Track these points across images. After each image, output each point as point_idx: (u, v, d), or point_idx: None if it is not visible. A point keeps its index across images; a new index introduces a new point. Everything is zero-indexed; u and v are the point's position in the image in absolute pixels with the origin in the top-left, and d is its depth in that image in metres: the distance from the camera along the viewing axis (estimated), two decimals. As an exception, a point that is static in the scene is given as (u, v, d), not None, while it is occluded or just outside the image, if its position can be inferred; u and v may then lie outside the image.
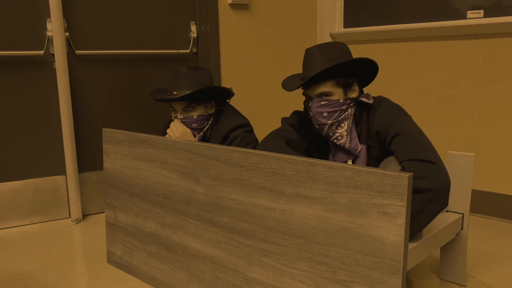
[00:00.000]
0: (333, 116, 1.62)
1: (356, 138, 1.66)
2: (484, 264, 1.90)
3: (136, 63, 2.66)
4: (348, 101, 1.63)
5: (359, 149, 1.65)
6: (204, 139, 1.95)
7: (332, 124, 1.64)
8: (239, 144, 1.87)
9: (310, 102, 1.65)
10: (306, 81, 1.62)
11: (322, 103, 1.62)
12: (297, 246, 1.25)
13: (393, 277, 1.08)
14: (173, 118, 1.95)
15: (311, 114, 1.66)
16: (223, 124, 1.92)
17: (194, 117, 1.91)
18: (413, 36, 2.69)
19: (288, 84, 1.71)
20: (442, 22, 2.60)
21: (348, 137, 1.65)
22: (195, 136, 1.92)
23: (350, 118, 1.64)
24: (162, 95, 1.91)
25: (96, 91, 2.56)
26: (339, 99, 1.61)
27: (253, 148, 1.89)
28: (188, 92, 1.84)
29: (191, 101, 1.89)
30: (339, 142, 1.65)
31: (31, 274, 1.87)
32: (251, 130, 1.95)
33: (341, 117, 1.63)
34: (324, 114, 1.63)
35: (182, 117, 1.91)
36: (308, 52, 1.66)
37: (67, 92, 2.40)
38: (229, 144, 1.88)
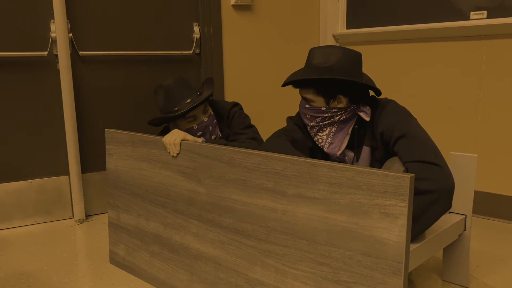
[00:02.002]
0: (315, 120, 1.66)
1: (343, 145, 1.66)
2: (487, 266, 1.89)
3: (139, 64, 2.67)
4: (334, 110, 1.62)
5: (338, 155, 1.67)
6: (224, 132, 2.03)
7: (313, 127, 1.68)
8: (240, 117, 1.98)
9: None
10: (288, 83, 1.66)
11: (306, 106, 1.66)
12: (299, 247, 1.25)
13: (395, 278, 1.08)
14: (194, 127, 1.92)
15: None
16: (221, 108, 2.02)
17: (211, 113, 1.98)
18: (416, 37, 2.69)
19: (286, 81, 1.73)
20: (445, 23, 2.59)
21: (328, 141, 1.67)
22: (218, 132, 1.99)
23: (337, 125, 1.65)
24: (178, 109, 1.88)
25: (99, 91, 2.57)
26: (321, 107, 1.62)
27: (249, 122, 2.01)
28: (210, 92, 1.88)
29: (206, 100, 1.93)
30: (320, 144, 1.69)
31: (34, 273, 1.88)
32: (242, 108, 2.07)
33: (324, 122, 1.65)
34: (307, 116, 1.67)
35: (206, 119, 1.93)
36: (309, 52, 1.66)
37: (70, 92, 2.41)
38: (232, 118, 1.99)
